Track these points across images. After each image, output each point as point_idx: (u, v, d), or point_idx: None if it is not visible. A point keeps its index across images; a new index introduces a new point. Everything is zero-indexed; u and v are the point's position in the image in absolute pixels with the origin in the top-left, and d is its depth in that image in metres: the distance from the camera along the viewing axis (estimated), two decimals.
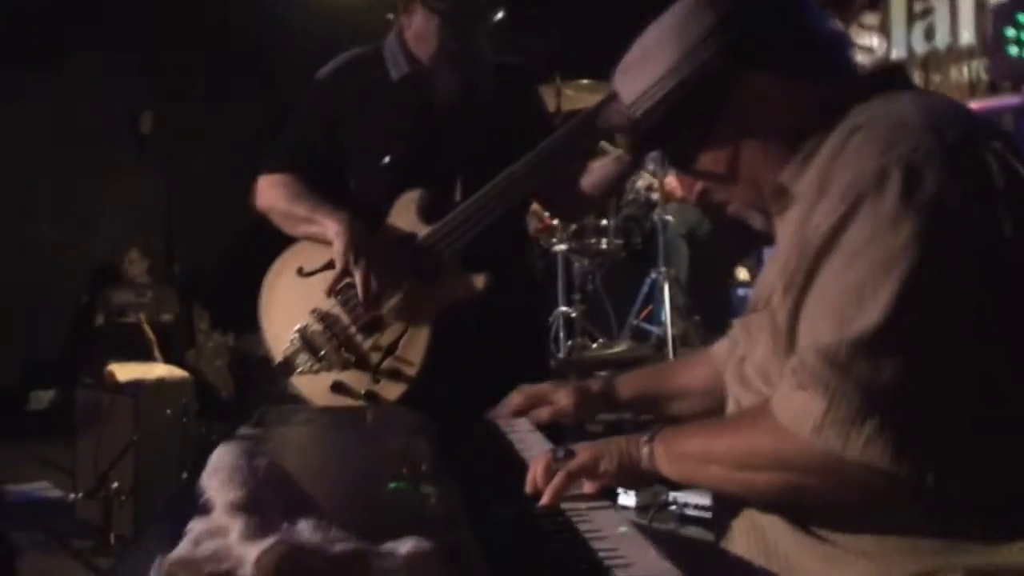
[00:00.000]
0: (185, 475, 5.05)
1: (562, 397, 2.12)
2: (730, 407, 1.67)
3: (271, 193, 2.94)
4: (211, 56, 8.31)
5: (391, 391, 2.72)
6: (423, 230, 2.75)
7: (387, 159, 2.83)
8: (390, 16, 2.87)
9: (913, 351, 1.28)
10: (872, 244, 1.32)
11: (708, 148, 1.60)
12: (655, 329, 5.36)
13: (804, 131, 1.53)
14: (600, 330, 5.70)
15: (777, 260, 1.56)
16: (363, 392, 2.72)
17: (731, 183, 1.63)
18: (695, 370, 2.02)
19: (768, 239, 1.66)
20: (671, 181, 5.67)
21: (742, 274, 5.71)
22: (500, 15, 2.82)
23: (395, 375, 2.72)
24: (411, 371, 2.72)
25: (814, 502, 1.42)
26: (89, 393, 5.38)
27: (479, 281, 2.72)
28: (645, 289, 5.62)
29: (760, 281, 1.67)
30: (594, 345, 5.36)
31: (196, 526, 1.11)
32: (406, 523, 1.30)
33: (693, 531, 3.38)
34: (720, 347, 1.96)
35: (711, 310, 5.47)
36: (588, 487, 1.61)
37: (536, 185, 2.76)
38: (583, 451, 1.61)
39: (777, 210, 1.59)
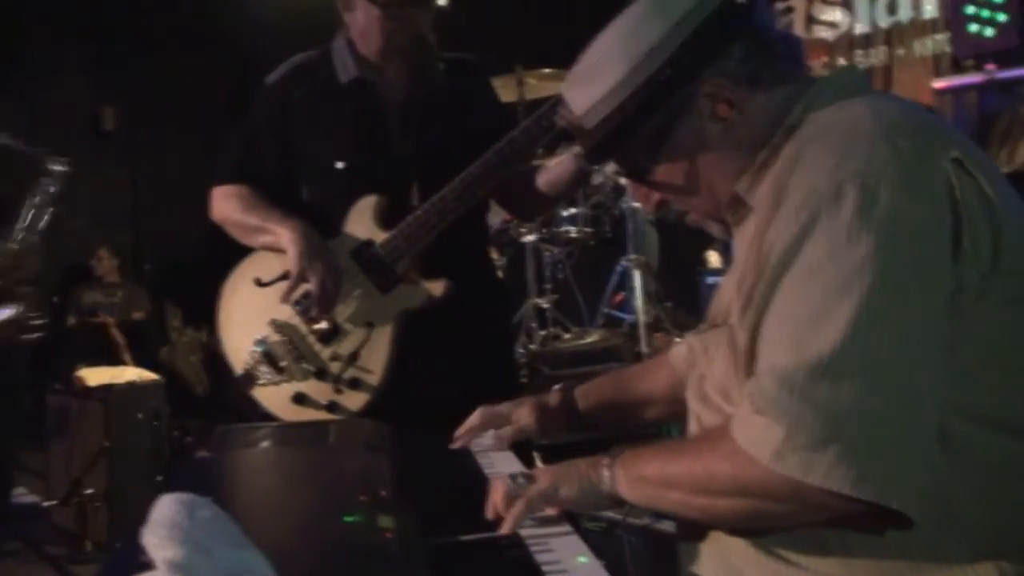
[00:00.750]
0: (160, 479, 5.04)
1: (523, 415, 2.07)
2: (691, 424, 1.65)
3: (224, 204, 2.90)
4: (174, 49, 8.24)
5: (354, 401, 2.69)
6: (380, 236, 2.72)
7: (339, 164, 2.78)
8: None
9: (872, 374, 1.26)
10: (828, 263, 1.29)
11: (662, 159, 1.57)
12: (627, 316, 5.35)
13: (759, 140, 1.51)
14: (572, 319, 5.68)
15: (734, 274, 1.54)
16: (325, 403, 2.69)
17: (688, 192, 1.59)
18: (655, 376, 1.99)
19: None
20: None
21: (713, 259, 5.70)
22: (442, 2, 2.77)
23: (357, 384, 2.69)
24: (373, 380, 2.69)
25: (775, 526, 1.40)
26: (60, 398, 5.33)
27: (438, 288, 2.69)
28: (616, 277, 5.60)
29: (718, 295, 1.65)
30: (567, 336, 5.34)
31: None
32: (362, 567, 1.29)
33: (668, 525, 3.36)
34: (677, 353, 1.93)
35: (682, 296, 5.47)
36: (549, 510, 1.59)
37: (493, 186, 2.73)
38: (543, 476, 1.59)
39: (734, 221, 1.57)
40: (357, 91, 2.81)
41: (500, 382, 3.01)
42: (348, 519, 1.44)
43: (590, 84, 1.56)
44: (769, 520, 1.39)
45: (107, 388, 5.12)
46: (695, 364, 1.68)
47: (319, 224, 2.76)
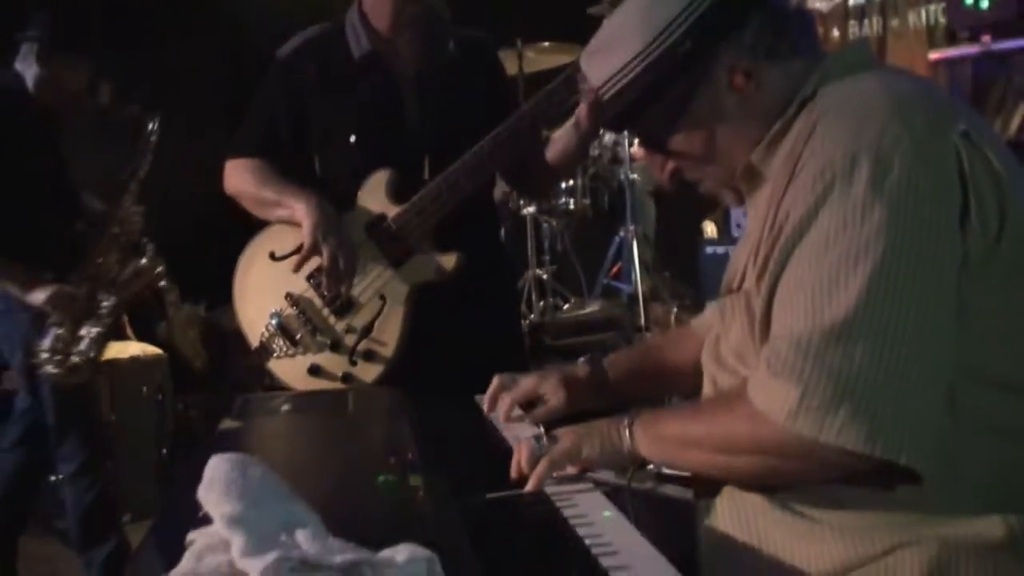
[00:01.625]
0: (165, 451, 5.09)
1: (551, 394, 2.04)
2: (706, 385, 1.71)
3: (238, 178, 2.93)
4: (171, 25, 8.22)
5: (368, 372, 2.74)
6: (393, 210, 2.76)
7: (352, 138, 2.82)
8: None
9: (883, 338, 1.31)
10: (842, 232, 1.35)
11: (680, 129, 1.62)
12: (625, 287, 5.40)
13: (774, 111, 1.56)
14: (571, 290, 5.73)
15: (748, 241, 1.59)
16: (340, 375, 2.74)
17: (704, 162, 1.65)
18: (683, 346, 2.01)
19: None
20: (636, 147, 5.69)
21: (709, 229, 5.75)
22: None
23: (371, 356, 2.74)
24: (387, 351, 2.74)
25: (792, 483, 1.46)
26: None
27: (450, 261, 2.74)
28: (614, 248, 5.65)
29: (732, 260, 1.70)
30: (566, 306, 5.39)
31: (197, 540, 1.14)
32: (399, 519, 1.34)
33: (671, 489, 3.42)
34: (699, 323, 1.99)
35: (680, 266, 5.52)
36: (571, 469, 1.65)
37: (504, 161, 2.77)
38: (565, 436, 1.65)
39: (747, 190, 1.63)
40: (370, 66, 2.83)
41: (508, 352, 3.07)
42: (380, 479, 1.49)
43: (609, 55, 1.61)
44: (784, 477, 1.45)
45: (112, 363, 5.16)
46: (712, 329, 1.74)
47: (332, 198, 2.79)
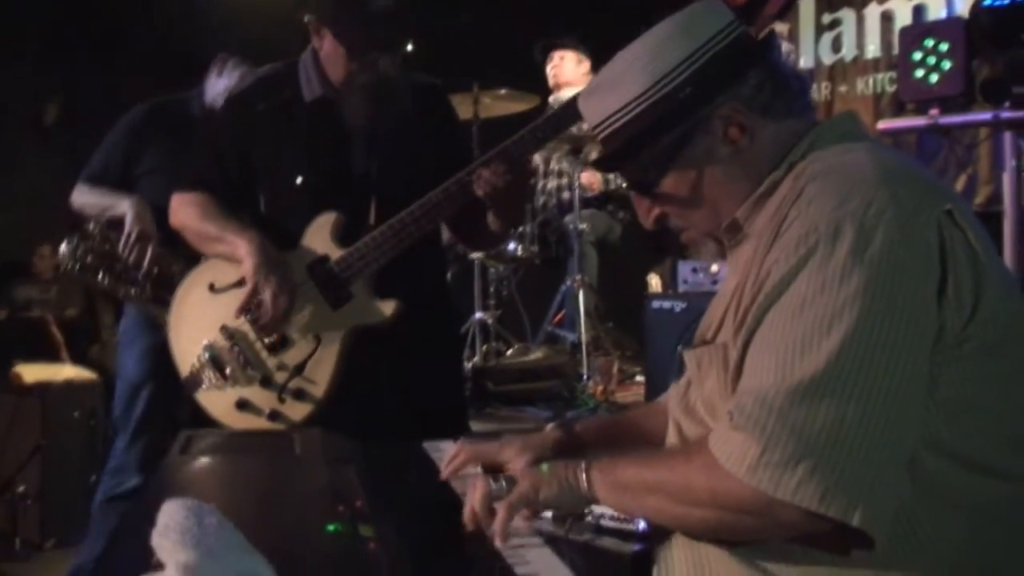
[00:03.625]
0: (93, 478, 5.00)
1: (513, 457, 1.91)
2: (670, 432, 1.72)
3: (183, 212, 2.92)
4: (118, 46, 8.16)
5: (297, 411, 2.74)
6: (336, 253, 2.76)
7: (299, 180, 2.82)
8: (307, 18, 2.82)
9: (849, 400, 1.33)
10: (819, 296, 1.37)
11: (671, 174, 1.64)
12: (569, 335, 5.41)
13: (764, 168, 1.59)
14: (515, 335, 5.74)
15: (725, 294, 1.62)
16: (268, 411, 2.74)
17: (690, 210, 1.67)
18: (654, 420, 1.95)
19: (681, 251, 1.71)
20: (586, 177, 5.72)
21: (654, 282, 5.79)
22: (410, 46, 2.80)
23: (301, 395, 2.74)
24: (317, 391, 2.73)
25: (746, 538, 1.47)
26: None
27: (388, 307, 2.75)
28: (560, 296, 5.67)
29: (708, 312, 1.71)
30: (509, 352, 5.39)
31: None
32: (351, 573, 1.33)
33: (609, 542, 3.42)
34: (669, 397, 1.99)
35: (623, 316, 5.54)
36: (524, 515, 1.65)
37: (451, 213, 2.79)
38: (522, 479, 1.64)
39: (730, 245, 1.66)
40: (321, 110, 2.84)
41: (449, 398, 3.08)
42: (332, 528, 1.48)
43: (609, 95, 1.64)
44: (740, 533, 1.45)
45: (45, 386, 5.10)
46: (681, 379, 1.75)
47: (276, 236, 2.80)
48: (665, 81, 1.58)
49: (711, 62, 1.58)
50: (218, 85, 3.89)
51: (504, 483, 1.64)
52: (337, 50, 2.76)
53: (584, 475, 1.59)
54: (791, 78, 1.64)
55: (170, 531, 1.14)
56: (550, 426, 2.07)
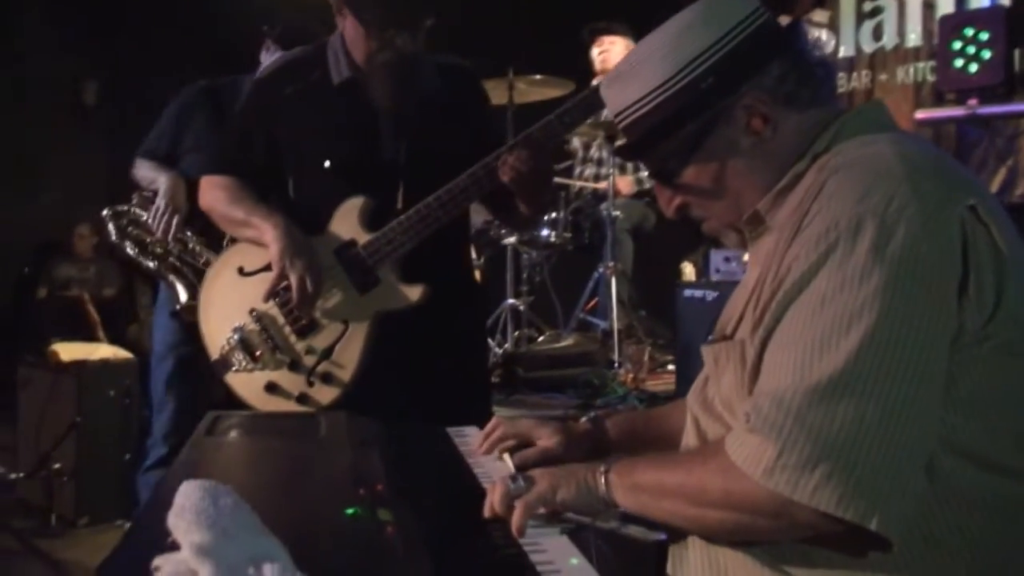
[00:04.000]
0: (128, 457, 5.05)
1: (546, 436, 2.00)
2: (688, 427, 1.71)
3: (211, 195, 2.95)
4: (157, 25, 8.22)
5: (325, 395, 2.75)
6: (364, 237, 2.77)
7: (327, 164, 2.83)
8: None
9: (868, 402, 1.31)
10: (839, 294, 1.35)
11: (693, 163, 1.63)
12: (601, 322, 5.41)
13: (787, 159, 1.57)
14: (547, 322, 5.75)
15: (745, 288, 1.61)
16: (296, 394, 2.76)
17: (711, 200, 1.66)
18: (682, 416, 1.92)
19: (716, 240, 1.69)
20: (619, 181, 5.72)
21: (688, 270, 5.76)
22: (430, 22, 2.77)
23: (329, 379, 2.76)
24: (345, 375, 2.75)
25: (762, 540, 1.46)
26: (32, 371, 5.36)
27: (415, 293, 2.75)
28: (592, 283, 5.66)
29: (728, 306, 1.71)
30: (540, 338, 5.40)
31: (163, 567, 1.13)
32: (367, 557, 1.34)
33: (635, 530, 3.43)
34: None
35: (656, 305, 5.53)
36: (543, 510, 1.65)
37: (477, 197, 2.79)
38: (541, 478, 1.64)
39: (751, 237, 1.64)
40: (349, 92, 2.84)
41: (473, 385, 3.08)
42: (350, 512, 1.49)
43: (631, 83, 1.63)
44: (757, 534, 1.45)
45: (81, 364, 5.14)
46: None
47: (304, 220, 2.81)
48: (687, 70, 1.56)
49: (734, 51, 1.56)
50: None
51: (523, 482, 1.64)
52: (358, 30, 2.75)
53: (602, 478, 1.59)
54: (816, 66, 1.61)
55: (186, 511, 1.15)
56: (583, 419, 2.08)
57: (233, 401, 2.83)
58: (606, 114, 1.78)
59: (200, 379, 3.72)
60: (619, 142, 1.76)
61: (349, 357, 2.76)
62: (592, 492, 1.60)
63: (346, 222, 2.80)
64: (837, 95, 1.67)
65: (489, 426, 2.07)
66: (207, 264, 3.70)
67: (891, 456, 1.31)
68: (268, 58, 3.94)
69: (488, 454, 2.05)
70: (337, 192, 2.82)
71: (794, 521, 1.36)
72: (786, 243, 1.47)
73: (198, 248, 3.78)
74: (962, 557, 1.39)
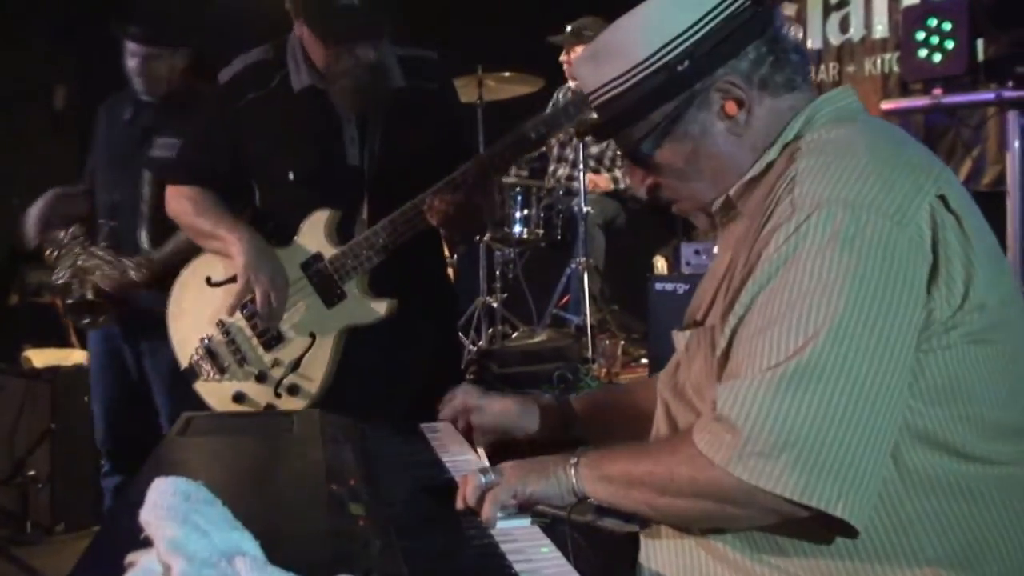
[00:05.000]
0: (102, 463, 5.03)
1: (485, 404, 2.16)
2: (659, 413, 1.73)
3: (176, 204, 2.94)
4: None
5: (291, 406, 2.78)
6: (330, 251, 2.77)
7: (291, 175, 2.81)
8: (287, 4, 2.79)
9: (833, 389, 1.33)
10: (808, 283, 1.37)
11: (667, 145, 1.63)
12: (574, 318, 5.42)
13: (759, 143, 1.59)
14: (520, 318, 5.76)
15: (716, 274, 1.62)
16: (264, 405, 2.77)
17: (684, 182, 1.67)
18: (649, 394, 1.96)
19: (687, 233, 1.71)
20: (592, 178, 5.73)
21: (660, 264, 5.78)
22: (390, 29, 2.74)
23: (296, 391, 2.77)
24: (312, 388, 2.76)
25: (731, 527, 1.48)
26: (5, 378, 5.32)
27: (381, 307, 2.76)
28: (565, 278, 5.68)
29: (698, 292, 1.72)
30: (514, 335, 5.41)
31: (138, 562, 1.14)
32: (338, 552, 1.35)
33: (611, 522, 3.44)
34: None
35: (629, 300, 5.55)
36: (513, 502, 1.66)
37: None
38: (511, 472, 1.65)
39: (721, 222, 1.66)
40: (310, 99, 2.80)
41: (445, 384, 3.08)
42: (321, 506, 1.50)
43: (606, 62, 1.63)
44: (724, 522, 1.47)
45: (54, 370, 5.13)
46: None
47: (271, 231, 2.81)
48: (663, 51, 1.57)
49: (711, 33, 1.56)
50: None
51: (494, 475, 1.65)
52: (314, 38, 2.72)
53: (572, 469, 1.60)
54: (791, 51, 1.62)
55: (158, 508, 1.15)
56: (546, 396, 2.12)
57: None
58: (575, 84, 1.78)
59: None
60: (592, 118, 1.76)
61: (316, 370, 2.77)
62: (562, 484, 1.61)
63: (312, 235, 2.79)
64: (811, 81, 1.67)
65: (448, 396, 2.16)
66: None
67: (856, 443, 1.33)
68: None
69: (447, 420, 2.17)
70: (302, 203, 2.82)
71: (761, 508, 1.38)
72: (756, 230, 1.48)
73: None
74: (929, 542, 1.41)
